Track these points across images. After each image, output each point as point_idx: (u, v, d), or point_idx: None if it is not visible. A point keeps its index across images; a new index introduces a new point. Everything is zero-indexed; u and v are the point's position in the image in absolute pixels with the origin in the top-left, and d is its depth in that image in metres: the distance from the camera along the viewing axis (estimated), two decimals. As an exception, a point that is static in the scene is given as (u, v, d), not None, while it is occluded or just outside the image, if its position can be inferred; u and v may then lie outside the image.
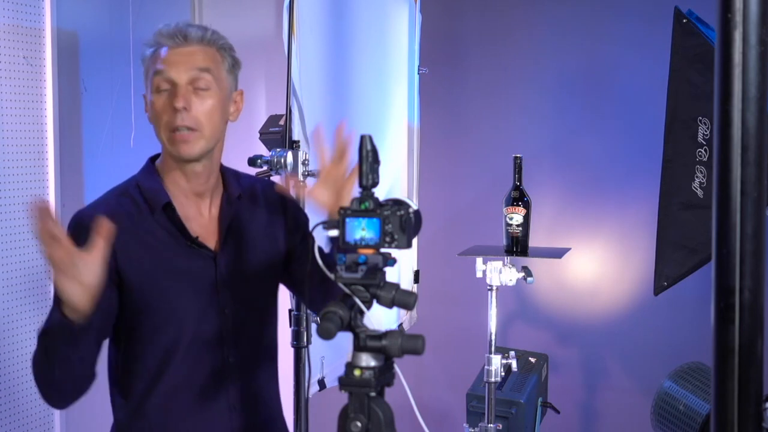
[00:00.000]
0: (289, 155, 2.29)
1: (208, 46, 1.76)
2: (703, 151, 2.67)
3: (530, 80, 3.65)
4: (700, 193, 2.68)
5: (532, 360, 3.09)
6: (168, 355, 1.74)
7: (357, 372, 1.31)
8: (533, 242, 2.83)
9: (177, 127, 1.70)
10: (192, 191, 1.80)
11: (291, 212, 1.92)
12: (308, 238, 1.85)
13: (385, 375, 1.33)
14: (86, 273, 1.48)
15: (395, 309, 1.40)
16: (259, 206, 1.88)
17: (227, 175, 1.86)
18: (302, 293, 1.99)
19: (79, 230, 1.65)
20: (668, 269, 2.72)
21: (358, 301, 1.33)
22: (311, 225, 1.46)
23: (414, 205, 1.40)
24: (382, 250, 1.35)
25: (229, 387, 1.78)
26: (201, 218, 1.81)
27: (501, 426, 2.78)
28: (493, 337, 2.76)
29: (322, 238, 1.57)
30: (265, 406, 1.87)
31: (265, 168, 2.31)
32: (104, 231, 1.50)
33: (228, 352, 1.78)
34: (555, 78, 3.63)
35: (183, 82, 1.71)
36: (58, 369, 1.59)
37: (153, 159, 1.84)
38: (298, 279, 1.91)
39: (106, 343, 1.77)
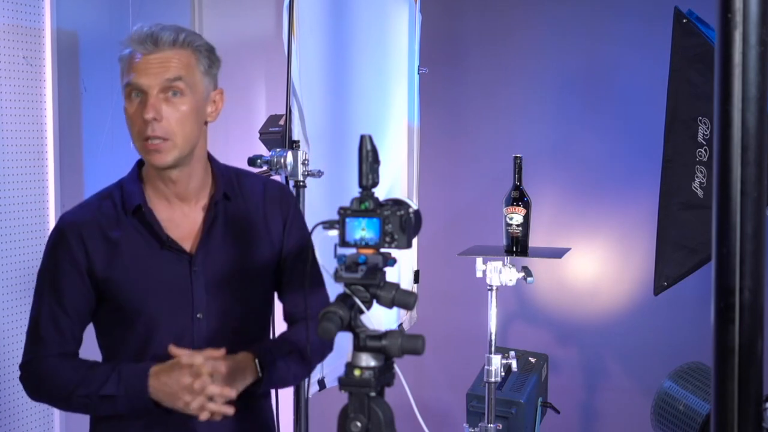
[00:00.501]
0: (289, 155, 2.28)
1: (181, 48, 1.70)
2: (703, 151, 2.67)
3: (530, 80, 3.65)
4: (700, 193, 2.68)
5: (532, 360, 3.09)
6: (141, 356, 1.75)
7: (357, 372, 1.31)
8: (533, 242, 2.83)
9: (148, 137, 1.68)
10: (174, 195, 1.78)
11: (292, 222, 1.86)
12: (302, 254, 1.83)
13: (385, 375, 1.33)
14: None
15: (395, 309, 1.40)
16: (255, 207, 1.83)
17: (218, 175, 1.82)
18: (283, 303, 1.92)
19: (59, 238, 1.77)
20: (668, 269, 2.72)
21: (358, 301, 1.33)
22: (309, 227, 1.47)
23: (414, 205, 1.40)
24: (382, 250, 1.35)
25: None
26: (183, 220, 1.79)
27: (501, 426, 2.78)
28: (493, 337, 2.76)
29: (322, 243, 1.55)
30: (251, 416, 1.82)
31: (264, 168, 2.31)
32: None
33: None
34: (555, 78, 3.63)
35: (153, 92, 1.67)
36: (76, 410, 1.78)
37: (141, 163, 1.83)
38: (282, 289, 1.87)
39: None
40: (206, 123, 1.79)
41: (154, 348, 1.75)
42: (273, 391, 1.97)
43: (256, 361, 1.72)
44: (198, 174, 1.78)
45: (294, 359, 1.78)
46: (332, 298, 1.38)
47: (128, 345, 1.77)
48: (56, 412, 2.87)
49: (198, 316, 1.76)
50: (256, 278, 1.82)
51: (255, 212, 1.83)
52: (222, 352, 1.67)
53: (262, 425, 1.87)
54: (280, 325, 1.96)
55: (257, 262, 1.81)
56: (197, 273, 1.76)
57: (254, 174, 1.94)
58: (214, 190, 1.80)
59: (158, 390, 1.66)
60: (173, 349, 1.66)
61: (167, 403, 1.66)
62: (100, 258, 1.74)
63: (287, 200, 1.89)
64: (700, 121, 2.67)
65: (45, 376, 1.78)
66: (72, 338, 1.79)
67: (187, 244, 1.77)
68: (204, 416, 1.63)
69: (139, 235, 1.75)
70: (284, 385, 1.89)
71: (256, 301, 1.85)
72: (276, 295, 1.91)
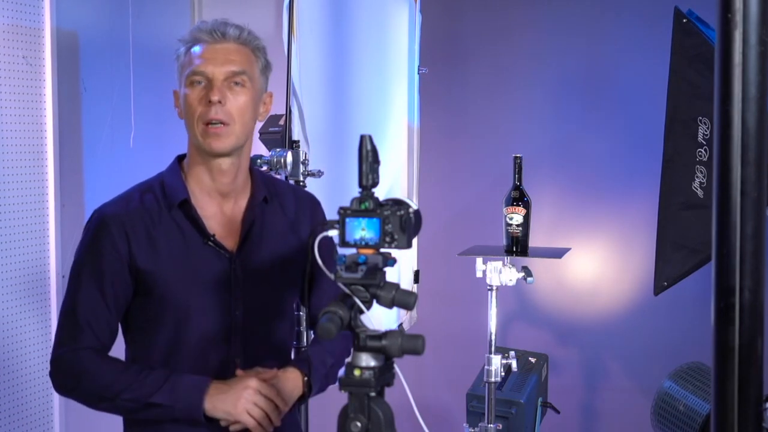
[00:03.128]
0: (289, 155, 2.29)
1: (244, 45, 1.79)
2: (703, 151, 2.67)
3: (530, 80, 3.65)
4: (700, 193, 2.68)
5: (532, 360, 3.09)
6: (172, 351, 1.77)
7: (357, 372, 1.31)
8: (533, 242, 2.83)
9: (210, 120, 1.72)
10: (216, 190, 1.80)
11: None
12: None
13: (385, 375, 1.33)
14: None
15: (395, 309, 1.40)
16: (287, 213, 1.88)
17: (256, 177, 1.86)
18: (310, 308, 1.97)
19: (101, 228, 1.75)
20: (668, 269, 2.72)
21: (358, 301, 1.33)
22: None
23: (414, 205, 1.40)
24: (382, 250, 1.35)
25: None
26: (223, 218, 1.81)
27: (501, 426, 2.78)
28: (493, 337, 2.76)
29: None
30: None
31: (265, 168, 2.31)
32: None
33: (234, 353, 1.79)
34: (555, 78, 3.63)
35: (220, 77, 1.73)
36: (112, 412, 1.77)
37: (180, 158, 1.85)
38: (311, 295, 1.91)
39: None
40: (256, 121, 1.84)
41: (186, 344, 1.77)
42: None
43: (305, 379, 1.78)
44: (244, 170, 1.83)
45: (334, 372, 1.86)
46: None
47: (160, 339, 1.77)
48: (56, 412, 2.87)
49: (236, 313, 1.79)
50: (288, 282, 1.86)
51: (289, 218, 1.88)
52: (274, 373, 1.74)
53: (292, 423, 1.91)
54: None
55: (290, 267, 1.85)
56: (237, 271, 1.78)
57: (282, 180, 1.97)
58: (255, 191, 1.84)
59: (214, 407, 1.70)
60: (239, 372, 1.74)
61: (222, 417, 1.71)
62: (142, 250, 1.75)
63: (319, 213, 1.94)
64: (700, 121, 2.67)
65: (84, 373, 1.74)
66: (110, 331, 1.78)
67: (228, 242, 1.79)
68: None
69: (181, 230, 1.77)
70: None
71: (288, 303, 1.90)
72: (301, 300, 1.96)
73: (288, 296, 1.89)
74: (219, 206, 1.81)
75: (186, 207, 1.77)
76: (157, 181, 1.82)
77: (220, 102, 1.72)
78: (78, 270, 1.78)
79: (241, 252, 1.80)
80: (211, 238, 1.77)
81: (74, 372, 1.75)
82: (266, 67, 1.84)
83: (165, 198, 1.78)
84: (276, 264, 1.83)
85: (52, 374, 1.79)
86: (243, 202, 1.83)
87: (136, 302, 1.79)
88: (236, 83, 1.75)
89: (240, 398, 1.69)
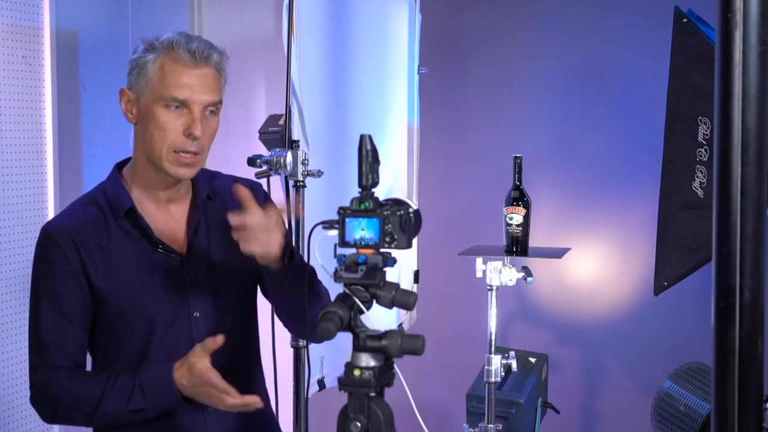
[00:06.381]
0: (289, 155, 2.28)
1: (216, 69, 1.76)
2: (703, 150, 2.67)
3: (530, 80, 3.65)
4: (700, 192, 2.67)
5: (532, 360, 3.08)
6: (140, 360, 1.75)
7: (357, 372, 1.31)
8: (533, 242, 2.83)
9: (186, 150, 1.71)
10: (164, 197, 1.80)
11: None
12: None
13: (384, 375, 1.33)
14: None
15: (395, 309, 1.40)
16: (231, 206, 1.82)
17: (198, 177, 1.84)
18: (271, 300, 1.91)
19: (49, 243, 1.72)
20: (668, 269, 2.71)
21: (357, 301, 1.33)
22: (309, 227, 1.47)
23: (414, 205, 1.40)
24: (382, 250, 1.35)
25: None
26: (173, 222, 1.80)
27: (501, 426, 2.78)
28: (493, 337, 2.76)
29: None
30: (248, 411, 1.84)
31: (264, 168, 2.30)
32: None
33: None
34: (555, 78, 3.62)
35: (199, 108, 1.71)
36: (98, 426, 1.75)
37: (119, 166, 1.83)
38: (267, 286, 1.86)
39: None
40: None
41: (155, 350, 1.75)
42: (273, 392, 1.97)
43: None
44: None
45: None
46: (332, 298, 1.38)
47: (127, 350, 1.76)
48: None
49: (195, 314, 1.77)
50: (243, 275, 1.84)
51: (224, 209, 1.82)
52: (220, 340, 1.66)
53: (255, 420, 1.87)
54: (280, 327, 1.96)
55: (242, 260, 1.78)
56: (190, 272, 1.77)
57: (223, 174, 1.95)
58: (197, 190, 1.83)
59: (190, 391, 1.67)
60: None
61: (200, 400, 1.68)
62: (95, 264, 1.73)
63: (258, 196, 1.88)
64: (701, 120, 2.67)
65: (60, 394, 1.72)
66: (78, 347, 1.76)
67: (176, 245, 1.78)
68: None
69: (130, 238, 1.75)
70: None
71: (246, 296, 1.88)
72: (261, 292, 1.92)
73: (247, 289, 1.87)
74: (165, 210, 1.80)
75: (132, 215, 1.76)
76: (100, 192, 1.80)
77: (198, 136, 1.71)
78: (35, 291, 1.75)
79: (191, 253, 1.78)
80: (159, 246, 1.76)
81: (52, 397, 1.73)
82: (225, 82, 1.82)
83: (110, 208, 1.76)
84: (228, 260, 1.80)
85: (33, 403, 1.77)
86: (187, 203, 1.83)
87: (99, 315, 1.76)
88: (211, 111, 1.74)
89: (210, 397, 1.66)
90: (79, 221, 1.74)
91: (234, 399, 1.65)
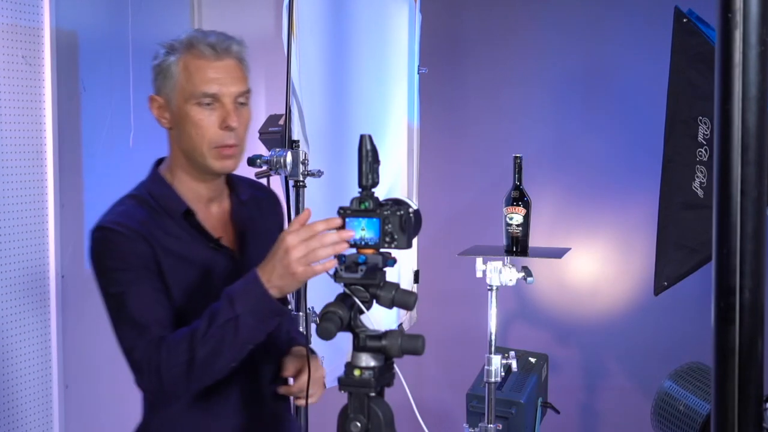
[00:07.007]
0: (289, 155, 2.28)
1: (241, 60, 1.77)
2: (703, 150, 2.67)
3: (530, 80, 3.65)
4: (700, 192, 2.67)
5: (532, 360, 3.09)
6: None
7: (357, 372, 1.31)
8: (533, 242, 2.83)
9: (226, 144, 1.71)
10: (207, 196, 1.80)
11: (280, 225, 1.95)
12: None
13: (384, 375, 1.33)
14: None
15: (395, 309, 1.40)
16: (262, 210, 1.90)
17: (233, 177, 1.87)
18: None
19: (114, 236, 1.66)
20: (668, 269, 2.71)
21: (357, 301, 1.33)
22: None
23: (414, 205, 1.40)
24: (382, 250, 1.35)
25: (233, 385, 1.76)
26: (213, 221, 1.81)
27: (501, 426, 2.78)
28: (493, 337, 2.76)
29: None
30: (271, 403, 1.87)
31: (264, 168, 2.30)
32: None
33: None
34: (555, 78, 3.63)
35: (231, 100, 1.72)
36: (202, 365, 1.59)
37: (157, 163, 1.83)
38: None
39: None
40: None
41: None
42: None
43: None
44: None
45: None
46: (332, 298, 1.38)
47: None
48: (56, 412, 2.86)
49: None
50: None
51: (262, 215, 1.89)
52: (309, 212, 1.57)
53: (276, 412, 1.90)
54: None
55: None
56: (241, 270, 1.77)
57: (246, 177, 1.96)
58: (238, 191, 1.85)
59: (278, 288, 1.55)
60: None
61: (291, 277, 1.52)
62: (164, 263, 1.69)
63: (280, 209, 1.96)
64: (701, 120, 2.67)
65: (161, 355, 1.60)
66: (171, 319, 1.67)
67: (224, 242, 1.79)
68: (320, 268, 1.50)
69: (189, 237, 1.74)
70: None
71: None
72: None
73: None
74: (208, 210, 1.81)
75: (190, 217, 1.75)
76: (145, 193, 1.77)
77: (236, 127, 1.72)
78: (114, 283, 1.66)
79: (241, 251, 1.81)
80: (218, 241, 1.76)
81: (153, 363, 1.61)
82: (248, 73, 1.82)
83: (162, 209, 1.74)
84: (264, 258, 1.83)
85: (140, 383, 1.66)
86: (225, 203, 1.84)
87: None
88: (241, 103, 1.74)
89: (289, 264, 1.51)
90: (140, 220, 1.70)
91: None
